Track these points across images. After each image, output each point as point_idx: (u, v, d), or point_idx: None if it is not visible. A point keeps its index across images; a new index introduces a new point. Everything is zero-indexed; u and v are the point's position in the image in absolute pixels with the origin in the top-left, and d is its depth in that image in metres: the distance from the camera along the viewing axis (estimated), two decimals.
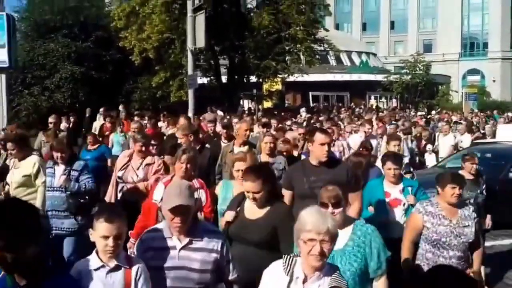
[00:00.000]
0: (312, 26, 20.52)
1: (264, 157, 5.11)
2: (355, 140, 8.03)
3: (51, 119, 8.63)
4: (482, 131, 12.64)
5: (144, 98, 21.09)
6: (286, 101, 29.54)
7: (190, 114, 14.49)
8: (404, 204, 4.19)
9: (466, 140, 10.30)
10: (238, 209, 3.17)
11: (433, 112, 25.61)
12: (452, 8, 48.93)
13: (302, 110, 19.37)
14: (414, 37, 51.89)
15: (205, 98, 18.31)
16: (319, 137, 3.75)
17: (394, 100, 34.46)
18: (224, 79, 21.43)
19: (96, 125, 12.15)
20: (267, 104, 24.07)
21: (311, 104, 30.01)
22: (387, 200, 4.22)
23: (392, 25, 52.87)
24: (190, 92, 14.95)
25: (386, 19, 52.71)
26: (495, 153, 8.58)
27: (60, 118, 11.12)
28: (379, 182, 4.38)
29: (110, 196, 5.18)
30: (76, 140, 10.96)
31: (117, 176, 5.17)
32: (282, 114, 17.26)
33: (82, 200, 4.70)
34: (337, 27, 48.67)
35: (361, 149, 5.87)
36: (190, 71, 15.24)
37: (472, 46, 50.71)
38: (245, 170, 3.38)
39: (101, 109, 13.94)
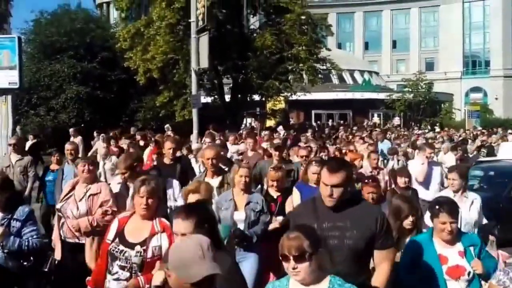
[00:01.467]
0: (314, 46, 20.77)
1: (237, 194, 4.16)
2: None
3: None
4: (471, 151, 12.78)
5: (148, 118, 21.26)
6: (290, 119, 29.67)
7: (194, 132, 14.65)
8: (469, 274, 2.96)
9: (449, 160, 9.53)
10: None
11: (436, 129, 25.59)
12: (453, 26, 49.42)
13: (280, 128, 19.18)
14: (416, 55, 52.27)
15: (209, 117, 18.44)
16: (322, 174, 2.67)
17: (397, 118, 34.49)
18: (227, 98, 21.61)
19: (98, 147, 11.97)
20: (270, 122, 24.18)
21: (313, 122, 30.12)
22: (443, 268, 2.96)
23: (394, 44, 53.35)
24: (194, 112, 15.11)
25: (388, 38, 53.23)
26: (498, 171, 8.59)
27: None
28: (428, 239, 3.07)
29: (56, 235, 4.29)
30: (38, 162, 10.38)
31: (56, 209, 4.29)
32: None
33: (26, 263, 3.56)
34: (339, 46, 49.12)
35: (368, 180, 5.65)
36: (194, 91, 15.40)
37: (474, 64, 50.98)
38: (179, 208, 2.78)
39: (95, 132, 13.77)
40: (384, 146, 10.86)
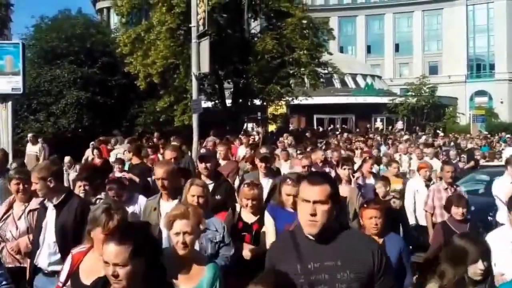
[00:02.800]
0: (316, 50, 20.60)
1: None
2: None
3: None
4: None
5: (148, 123, 21.15)
6: (290, 124, 29.47)
7: (195, 138, 14.51)
8: None
9: (434, 165, 8.73)
10: None
11: (440, 134, 25.32)
12: (457, 30, 49.18)
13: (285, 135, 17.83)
14: (419, 59, 52.01)
15: (209, 122, 18.31)
16: (301, 189, 2.15)
17: (400, 123, 34.23)
18: (228, 103, 21.47)
19: (89, 154, 11.40)
20: (271, 127, 24.00)
21: (315, 127, 29.93)
22: None
23: (397, 47, 53.12)
24: (195, 117, 14.97)
25: (390, 42, 53.01)
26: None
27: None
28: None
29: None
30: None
31: None
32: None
33: None
34: (341, 50, 49.00)
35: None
36: (194, 96, 15.24)
37: (479, 68, 50.69)
38: (112, 230, 2.34)
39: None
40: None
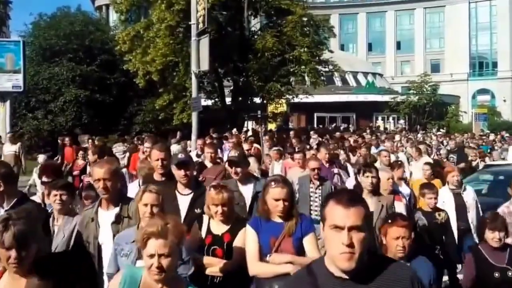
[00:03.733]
0: (316, 47, 20.42)
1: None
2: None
3: None
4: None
5: (147, 121, 21.02)
6: (290, 123, 29.31)
7: (193, 136, 14.34)
8: None
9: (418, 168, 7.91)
10: None
11: (440, 132, 25.11)
12: (460, 27, 48.88)
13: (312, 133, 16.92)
14: (421, 57, 51.74)
15: (209, 120, 18.16)
16: (331, 211, 1.70)
17: (402, 121, 34.03)
18: (228, 101, 21.31)
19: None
20: (271, 126, 23.83)
21: (315, 126, 29.75)
22: None
23: (398, 45, 52.83)
24: (194, 115, 14.82)
25: (392, 39, 52.73)
26: (508, 175, 8.25)
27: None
28: None
29: None
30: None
31: None
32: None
33: None
34: (342, 47, 48.74)
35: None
36: (194, 94, 15.13)
37: (481, 66, 50.39)
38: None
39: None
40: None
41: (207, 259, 3.02)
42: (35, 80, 20.15)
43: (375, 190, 4.14)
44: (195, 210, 3.40)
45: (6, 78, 13.96)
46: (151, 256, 2.09)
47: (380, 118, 35.10)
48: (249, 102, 21.01)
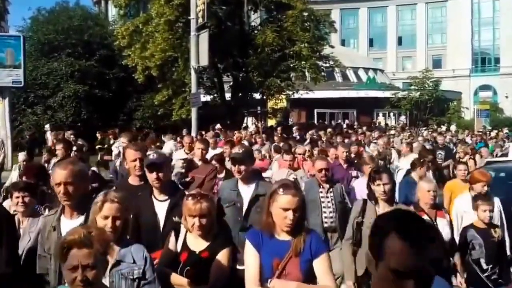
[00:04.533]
0: (317, 43, 20.24)
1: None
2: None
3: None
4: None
5: (146, 116, 20.93)
6: (290, 119, 29.16)
7: (193, 132, 14.24)
8: None
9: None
10: None
11: (442, 129, 24.92)
12: (462, 22, 48.53)
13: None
14: (423, 52, 51.43)
15: (208, 116, 18.06)
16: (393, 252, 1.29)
17: (403, 117, 33.84)
18: (227, 96, 21.18)
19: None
20: (271, 122, 23.71)
21: (316, 121, 29.59)
22: None
23: (400, 40, 52.51)
24: (193, 110, 14.71)
25: (393, 35, 52.41)
26: (510, 172, 8.13)
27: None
28: None
29: None
30: None
31: None
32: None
33: None
34: (343, 43, 48.48)
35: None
36: (193, 89, 15.05)
37: (484, 62, 50.06)
38: None
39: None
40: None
41: (177, 279, 2.62)
42: (34, 75, 20.05)
43: (390, 199, 3.66)
44: (173, 219, 2.98)
45: (6, 73, 13.87)
46: (74, 268, 1.85)
47: (381, 114, 34.92)
48: (248, 98, 20.89)
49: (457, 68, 47.95)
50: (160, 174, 3.09)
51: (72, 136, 12.04)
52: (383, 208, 3.58)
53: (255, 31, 20.30)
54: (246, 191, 3.62)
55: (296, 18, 19.34)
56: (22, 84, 14.23)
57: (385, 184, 3.58)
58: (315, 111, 33.70)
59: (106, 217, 2.42)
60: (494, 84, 47.56)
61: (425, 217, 3.71)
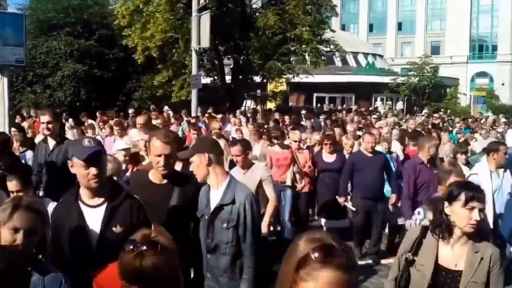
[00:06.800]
0: (318, 27, 20.17)
1: None
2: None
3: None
4: None
5: (145, 97, 20.89)
6: (290, 102, 29.20)
7: (193, 114, 14.29)
8: None
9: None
10: None
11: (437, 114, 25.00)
12: (461, 9, 48.34)
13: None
14: (422, 38, 51.31)
15: (208, 98, 18.09)
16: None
17: (400, 103, 33.93)
18: (227, 79, 21.17)
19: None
20: (271, 105, 23.75)
21: (314, 106, 29.64)
22: None
23: (400, 26, 52.32)
24: (194, 92, 14.73)
25: (393, 20, 52.18)
26: (508, 159, 8.29)
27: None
28: None
29: None
30: None
31: None
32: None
33: None
34: (343, 28, 48.19)
35: None
36: (194, 71, 15.03)
37: (481, 49, 50.07)
38: None
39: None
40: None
41: None
42: (33, 54, 19.86)
43: (478, 234, 2.52)
44: (113, 229, 2.28)
45: (11, 52, 13.79)
46: None
47: (379, 99, 35.01)
48: (249, 81, 20.88)
49: (455, 55, 47.95)
50: (98, 170, 2.26)
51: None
52: (459, 250, 2.33)
53: (257, 14, 20.17)
54: (214, 198, 2.76)
55: (298, 1, 19.23)
56: (24, 63, 14.21)
57: (481, 210, 2.27)
58: (314, 95, 33.73)
59: (16, 230, 1.86)
60: (491, 71, 47.68)
61: None
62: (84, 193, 2.33)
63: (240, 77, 20.72)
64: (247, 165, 4.73)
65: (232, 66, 21.32)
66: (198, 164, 2.74)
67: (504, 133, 12.59)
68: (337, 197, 6.14)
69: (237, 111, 15.61)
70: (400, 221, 5.64)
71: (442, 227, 2.32)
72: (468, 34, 49.24)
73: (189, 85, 16.42)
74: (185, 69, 18.57)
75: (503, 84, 45.22)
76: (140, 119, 5.46)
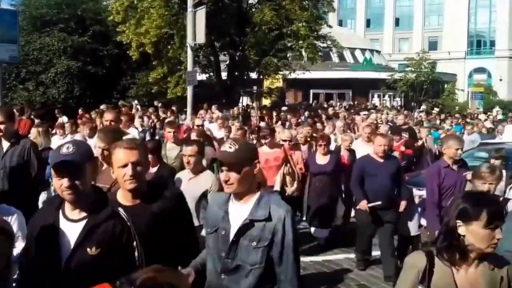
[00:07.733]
0: (315, 22, 19.97)
1: None
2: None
3: None
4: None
5: (140, 94, 20.69)
6: (286, 99, 29.02)
7: (188, 111, 14.12)
8: None
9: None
10: None
11: (435, 110, 24.91)
12: (459, 5, 48.18)
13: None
14: (419, 34, 51.15)
15: (203, 95, 17.88)
16: None
17: (398, 99, 33.82)
18: (223, 75, 20.98)
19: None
20: (266, 101, 23.58)
21: (311, 102, 29.46)
22: None
23: (397, 22, 52.15)
24: (189, 89, 14.55)
25: (390, 16, 51.98)
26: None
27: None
28: None
29: None
30: None
31: None
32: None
33: None
34: (340, 23, 48.00)
35: None
36: (189, 67, 14.82)
37: (479, 44, 49.95)
38: None
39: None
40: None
41: None
42: (26, 50, 19.61)
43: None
44: (87, 250, 1.93)
45: (5, 48, 13.53)
46: None
47: (376, 95, 34.89)
48: (245, 77, 20.70)
49: (453, 51, 47.83)
50: (76, 180, 1.92)
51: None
52: (474, 272, 1.98)
53: (253, 9, 19.97)
54: (238, 213, 2.26)
55: None
56: (17, 60, 13.97)
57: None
58: (311, 91, 33.57)
59: None
60: (488, 67, 47.59)
61: None
62: (67, 203, 2.00)
63: (236, 73, 20.54)
64: (198, 170, 4.00)
65: (228, 62, 21.13)
66: (248, 176, 2.18)
67: (501, 131, 12.46)
68: (358, 207, 5.31)
69: (213, 106, 15.35)
70: (413, 232, 5.24)
71: (454, 251, 1.93)
72: (466, 30, 49.10)
73: (184, 82, 16.21)
74: (181, 66, 18.37)
75: (501, 79, 45.16)
76: (108, 115, 4.67)
